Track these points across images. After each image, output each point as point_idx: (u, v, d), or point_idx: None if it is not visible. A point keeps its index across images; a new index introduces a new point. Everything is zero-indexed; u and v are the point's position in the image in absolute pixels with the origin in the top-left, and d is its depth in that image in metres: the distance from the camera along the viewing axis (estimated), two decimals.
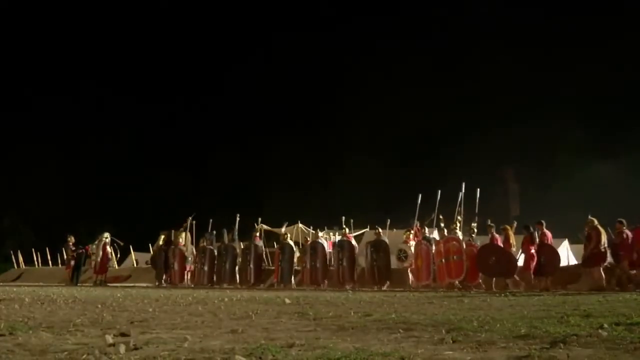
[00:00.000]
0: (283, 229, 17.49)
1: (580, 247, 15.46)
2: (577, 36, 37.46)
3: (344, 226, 16.17)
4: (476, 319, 5.12)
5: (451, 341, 3.79)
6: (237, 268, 16.62)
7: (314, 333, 4.39)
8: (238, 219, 17.28)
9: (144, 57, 48.56)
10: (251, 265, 16.25)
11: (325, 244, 15.98)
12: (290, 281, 15.69)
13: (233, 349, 3.52)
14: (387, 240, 14.87)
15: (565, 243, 17.52)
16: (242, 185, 42.99)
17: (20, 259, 26.51)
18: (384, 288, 13.86)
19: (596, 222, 12.43)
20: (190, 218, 18.40)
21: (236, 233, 17.33)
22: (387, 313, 6.02)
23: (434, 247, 13.95)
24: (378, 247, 14.66)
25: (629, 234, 12.12)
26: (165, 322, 5.33)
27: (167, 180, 43.42)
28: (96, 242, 19.60)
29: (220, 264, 16.79)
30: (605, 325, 4.37)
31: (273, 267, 16.68)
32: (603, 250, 12.19)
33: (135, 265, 23.24)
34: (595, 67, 36.73)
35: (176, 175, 44.08)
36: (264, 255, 17.76)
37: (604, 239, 12.26)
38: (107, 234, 19.78)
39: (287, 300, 8.25)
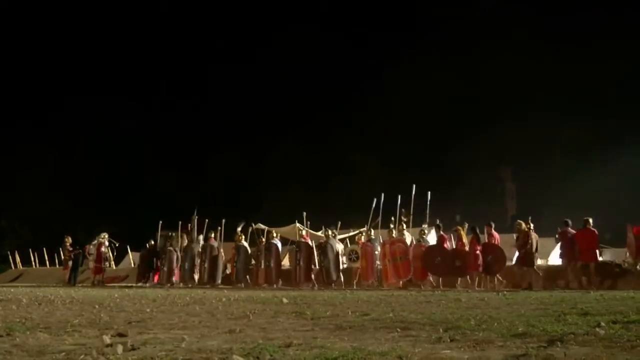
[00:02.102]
0: (239, 229, 17.89)
1: None
2: (576, 36, 37.50)
3: (303, 227, 16.94)
4: (473, 318, 5.12)
5: (449, 340, 3.80)
6: (196, 268, 17.44)
7: (312, 332, 4.39)
8: (196, 218, 18.26)
9: (143, 57, 48.65)
10: (205, 265, 17.05)
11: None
12: (245, 280, 16.44)
13: (231, 349, 3.51)
14: (333, 243, 15.53)
15: None
16: (241, 185, 43.01)
17: (18, 259, 26.45)
18: (333, 287, 14.51)
19: (524, 225, 13.25)
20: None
21: (195, 234, 18.19)
22: (384, 312, 6.02)
23: (378, 249, 14.71)
24: (325, 250, 15.30)
25: (573, 232, 12.80)
26: (163, 322, 5.32)
27: (166, 180, 43.43)
28: (94, 242, 19.61)
29: (182, 264, 17.62)
30: (603, 324, 4.37)
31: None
32: (529, 251, 12.98)
33: (132, 265, 23.20)
34: (597, 66, 36.81)
35: (175, 175, 44.11)
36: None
37: (530, 240, 13.05)
38: (104, 234, 19.80)
39: (285, 300, 8.26)
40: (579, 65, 37.30)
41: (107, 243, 19.70)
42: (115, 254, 21.56)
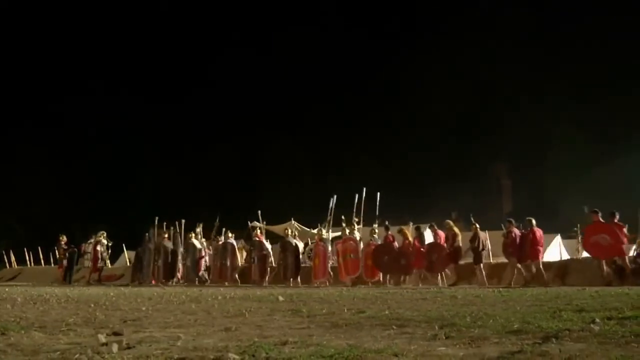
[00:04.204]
0: (198, 229, 18.17)
1: (572, 241, 16.00)
2: (575, 34, 37.59)
3: (258, 227, 17.33)
4: (469, 315, 5.13)
5: (444, 337, 3.80)
6: (151, 267, 17.92)
7: (307, 330, 4.39)
8: (157, 220, 18.69)
9: (139, 54, 48.46)
10: (159, 264, 17.57)
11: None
12: (195, 278, 16.93)
13: (226, 347, 3.51)
14: (293, 241, 15.77)
15: (558, 238, 17.61)
16: (239, 184, 42.99)
17: (13, 258, 26.35)
18: (291, 285, 14.79)
19: (452, 224, 13.81)
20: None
21: (154, 234, 18.64)
22: (380, 310, 6.03)
23: (330, 247, 15.18)
24: (285, 247, 15.63)
25: (517, 232, 12.92)
26: (159, 320, 5.32)
27: (162, 179, 43.33)
28: (90, 241, 19.56)
29: (141, 263, 18.19)
30: (597, 320, 4.38)
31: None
32: (457, 249, 13.41)
33: (128, 264, 23.13)
34: (594, 64, 36.92)
35: (171, 174, 43.99)
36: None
37: (459, 239, 13.51)
38: (101, 232, 19.76)
39: (281, 298, 8.26)
40: (579, 62, 37.40)
41: (104, 241, 19.63)
42: (110, 252, 21.47)
